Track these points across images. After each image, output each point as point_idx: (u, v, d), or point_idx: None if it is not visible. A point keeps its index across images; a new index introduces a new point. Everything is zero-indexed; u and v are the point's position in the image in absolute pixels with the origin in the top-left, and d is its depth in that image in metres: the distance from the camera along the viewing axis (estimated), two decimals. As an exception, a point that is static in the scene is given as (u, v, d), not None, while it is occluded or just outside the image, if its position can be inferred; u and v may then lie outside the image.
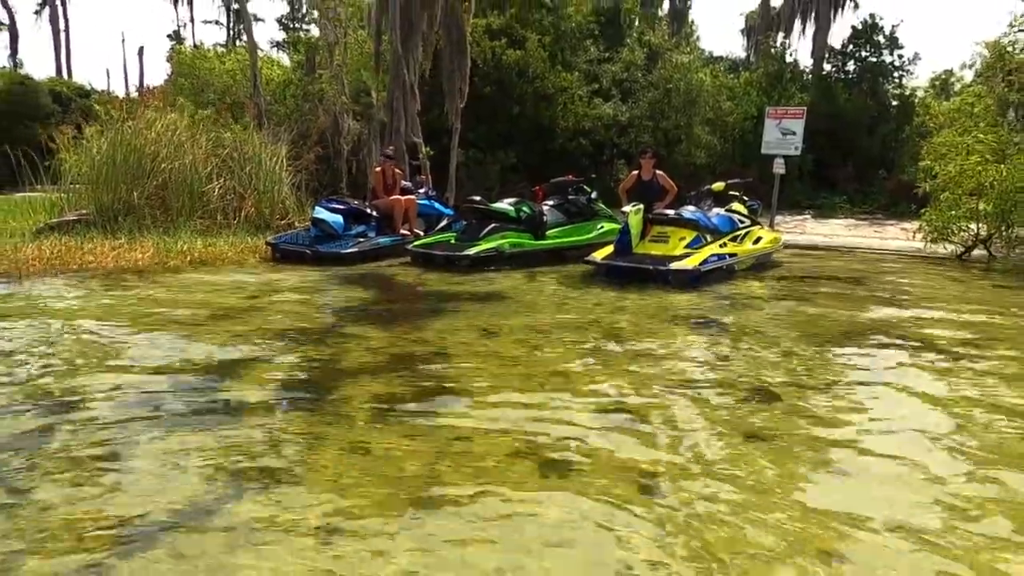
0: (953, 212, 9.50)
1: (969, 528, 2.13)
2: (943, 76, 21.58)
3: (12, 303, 5.06)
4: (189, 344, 4.02)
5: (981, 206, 9.33)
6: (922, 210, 10.17)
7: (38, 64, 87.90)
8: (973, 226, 9.65)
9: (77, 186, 8.94)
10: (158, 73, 42.08)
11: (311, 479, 2.36)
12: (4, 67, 26.73)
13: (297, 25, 24.25)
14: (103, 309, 4.91)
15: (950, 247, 9.83)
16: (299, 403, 3.14)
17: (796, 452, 2.67)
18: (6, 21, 34.85)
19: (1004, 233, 9.55)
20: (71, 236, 7.61)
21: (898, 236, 12.06)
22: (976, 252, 9.71)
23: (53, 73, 31.91)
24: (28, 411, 2.90)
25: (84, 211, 8.54)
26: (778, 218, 12.87)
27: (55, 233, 7.86)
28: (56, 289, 5.60)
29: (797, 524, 2.12)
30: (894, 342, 4.61)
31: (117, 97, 15.16)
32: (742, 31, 23.52)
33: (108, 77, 66.20)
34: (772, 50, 19.70)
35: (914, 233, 10.34)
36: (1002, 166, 9.18)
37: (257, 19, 33.66)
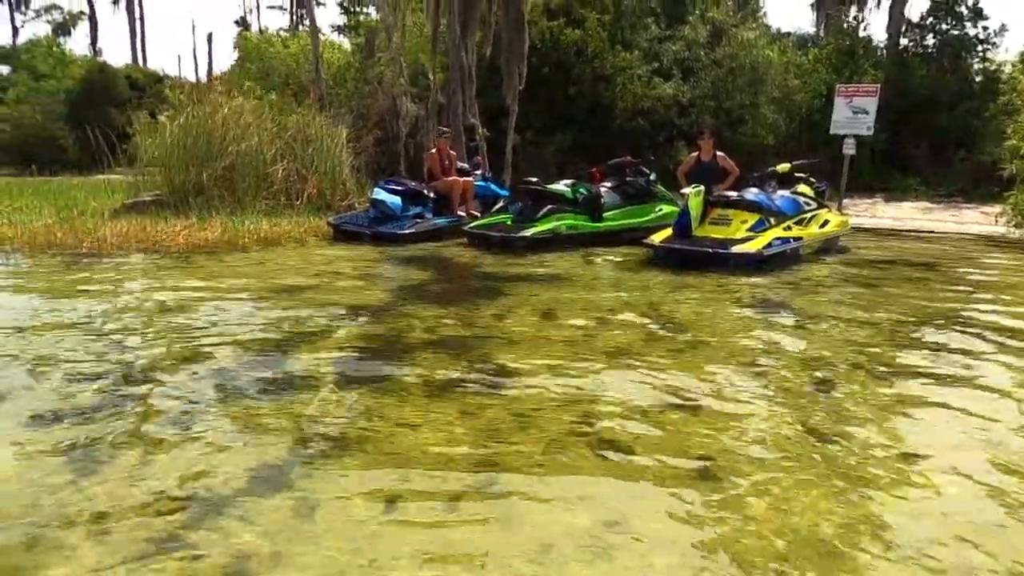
0: (1041, 195, 8.94)
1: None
2: (1034, 49, 20.19)
3: (93, 278, 5.34)
4: (255, 318, 4.17)
5: (1073, 189, 8.75)
6: (1006, 193, 9.61)
7: (115, 52, 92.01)
8: (1063, 210, 9.07)
9: (151, 168, 9.37)
10: (226, 58, 43.46)
11: (371, 451, 2.42)
12: (85, 55, 28.12)
13: (357, 9, 24.56)
14: (175, 284, 5.14)
15: (1036, 232, 9.27)
16: (357, 378, 3.22)
17: (853, 449, 2.57)
18: (87, 11, 36.61)
19: (1098, 217, 8.94)
20: (146, 216, 7.98)
21: (978, 220, 11.44)
22: (1065, 238, 9.13)
23: (129, 60, 33.33)
24: (106, 377, 3.06)
25: (158, 192, 8.94)
26: (847, 201, 12.37)
27: (131, 213, 8.26)
28: (133, 265, 5.89)
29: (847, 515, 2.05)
30: (966, 332, 4.37)
31: (188, 82, 15.74)
32: (811, 5, 22.52)
33: (180, 63, 68.96)
34: (844, 24, 18.82)
35: (997, 217, 9.79)
36: (1098, 145, 8.57)
37: (319, 3, 34.23)
